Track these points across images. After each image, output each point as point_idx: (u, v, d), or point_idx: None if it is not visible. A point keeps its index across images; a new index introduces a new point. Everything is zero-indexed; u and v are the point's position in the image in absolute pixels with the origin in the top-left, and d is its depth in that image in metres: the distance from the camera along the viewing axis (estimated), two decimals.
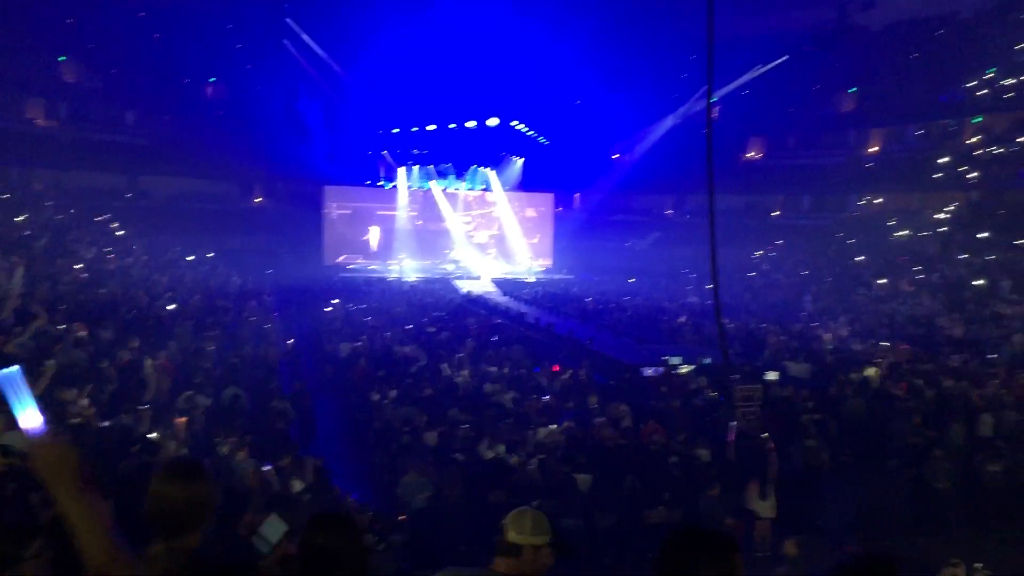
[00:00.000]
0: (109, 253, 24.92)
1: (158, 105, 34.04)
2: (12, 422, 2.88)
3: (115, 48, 32.64)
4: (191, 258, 29.54)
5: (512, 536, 2.92)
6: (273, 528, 2.98)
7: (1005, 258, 25.89)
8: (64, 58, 33.98)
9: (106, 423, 10.85)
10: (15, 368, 2.76)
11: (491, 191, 41.61)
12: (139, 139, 33.77)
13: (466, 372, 17.26)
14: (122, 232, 28.89)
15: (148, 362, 13.17)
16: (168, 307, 19.81)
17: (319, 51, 35.29)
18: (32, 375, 11.23)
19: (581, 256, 39.46)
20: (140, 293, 20.30)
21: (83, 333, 13.88)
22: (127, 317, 17.22)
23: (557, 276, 39.37)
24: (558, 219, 42.35)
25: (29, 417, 2.70)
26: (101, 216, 29.37)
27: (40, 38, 31.35)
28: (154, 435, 10.44)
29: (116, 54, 32.87)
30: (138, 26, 32.53)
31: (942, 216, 31.32)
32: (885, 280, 27.95)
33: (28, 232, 21.54)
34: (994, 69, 31.65)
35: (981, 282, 24.70)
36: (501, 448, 11.72)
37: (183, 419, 10.73)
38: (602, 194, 40.57)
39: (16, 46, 30.26)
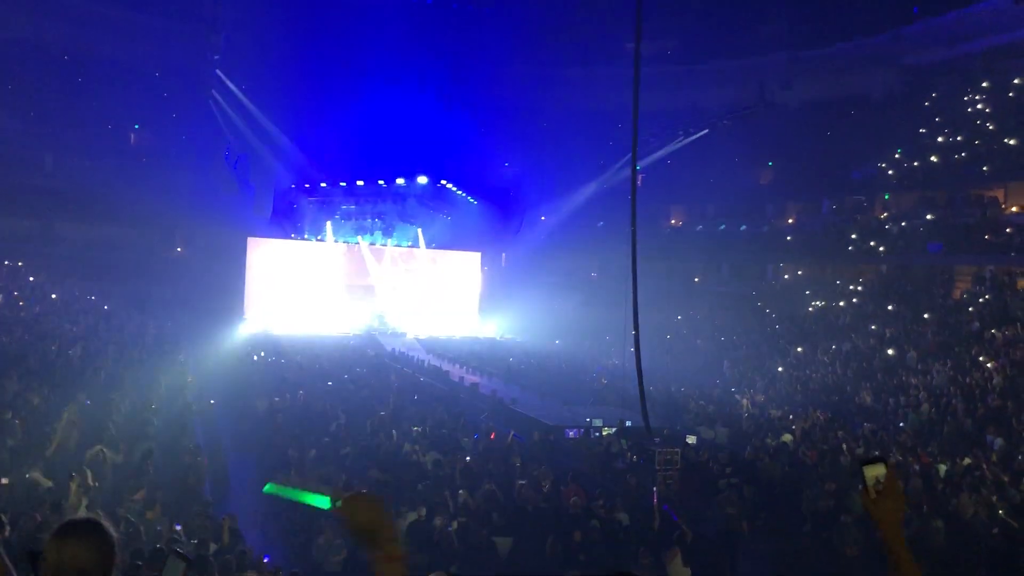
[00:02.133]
0: (19, 300, 24.07)
1: (78, 150, 33.26)
2: None
3: (35, 91, 31.94)
4: (106, 307, 28.74)
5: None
6: (173, 570, 2.90)
7: (912, 329, 26.94)
8: None
9: (3, 481, 10.40)
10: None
11: (418, 248, 41.64)
12: (56, 183, 32.85)
13: (389, 431, 17.05)
14: (34, 278, 27.95)
15: (64, 414, 12.68)
16: (76, 355, 19.17)
17: (247, 103, 35.11)
18: None
19: (507, 315, 39.63)
20: (50, 342, 19.59)
21: None
22: (34, 367, 16.59)
23: (482, 335, 39.38)
24: (485, 278, 42.56)
25: None
26: (13, 262, 28.40)
27: None
28: (51, 488, 10.03)
29: (36, 97, 32.15)
30: (62, 69, 31.97)
31: (854, 287, 32.50)
32: (801, 348, 28.77)
33: None
34: (900, 150, 33.33)
35: (891, 352, 25.61)
36: (422, 510, 11.56)
37: (74, 480, 10.27)
38: (528, 254, 40.99)
39: None
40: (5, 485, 10.28)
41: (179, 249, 35.41)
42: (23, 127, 32.77)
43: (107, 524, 2.71)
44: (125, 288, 30.24)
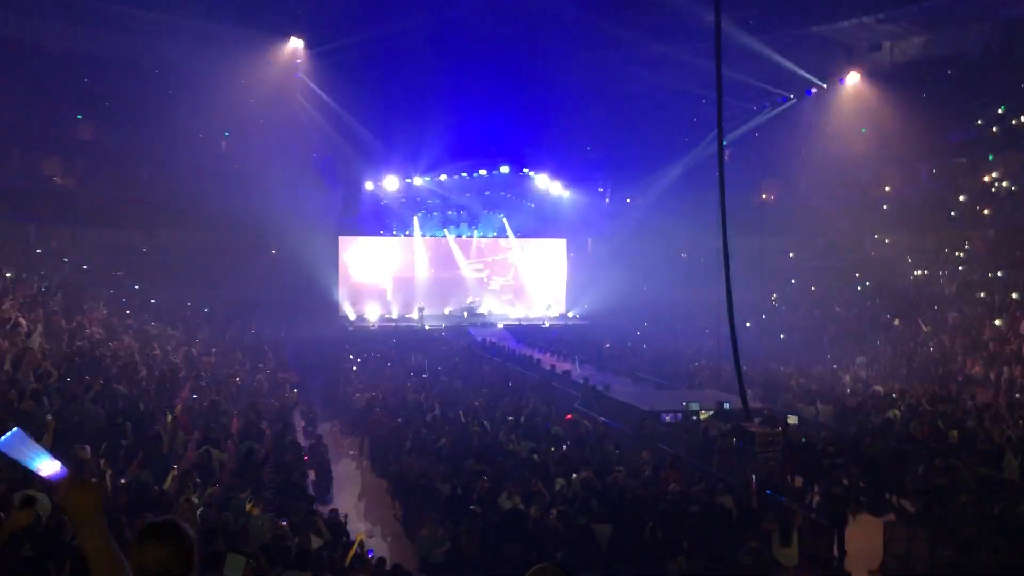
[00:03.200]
0: (125, 308, 25.06)
1: (171, 161, 34.46)
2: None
3: (128, 106, 33.15)
4: (189, 304, 29.76)
5: None
6: (233, 566, 2.93)
7: (1023, 296, 25.65)
8: (81, 117, 34.53)
9: (122, 480, 10.83)
10: (13, 430, 2.81)
11: (504, 237, 41.79)
12: (152, 194, 34.12)
13: (483, 421, 17.14)
14: (138, 287, 29.06)
15: (169, 415, 13.14)
16: (179, 360, 19.87)
17: (331, 103, 35.73)
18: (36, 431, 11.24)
19: (595, 301, 39.39)
20: (155, 348, 20.35)
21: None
22: (145, 374, 17.24)
23: (572, 321, 39.28)
24: (572, 264, 42.40)
25: (46, 466, 2.74)
26: (115, 271, 29.59)
27: (57, 98, 31.92)
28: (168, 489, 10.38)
29: (129, 112, 33.37)
30: (151, 84, 33.08)
31: (959, 255, 31.13)
32: (903, 321, 27.73)
33: (44, 288, 21.68)
34: (1004, 107, 31.65)
35: (998, 323, 24.45)
36: (518, 499, 11.56)
37: (175, 476, 10.62)
38: (615, 238, 40.60)
39: (34, 106, 30.82)
40: (123, 485, 10.71)
41: (273, 251, 36.31)
42: (120, 142, 34.11)
43: (186, 526, 2.78)
44: (223, 292, 31.21)
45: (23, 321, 16.99)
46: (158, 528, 2.74)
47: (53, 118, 32.67)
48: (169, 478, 10.58)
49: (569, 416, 18.52)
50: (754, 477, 13.16)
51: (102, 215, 33.02)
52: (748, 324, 31.55)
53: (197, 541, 2.79)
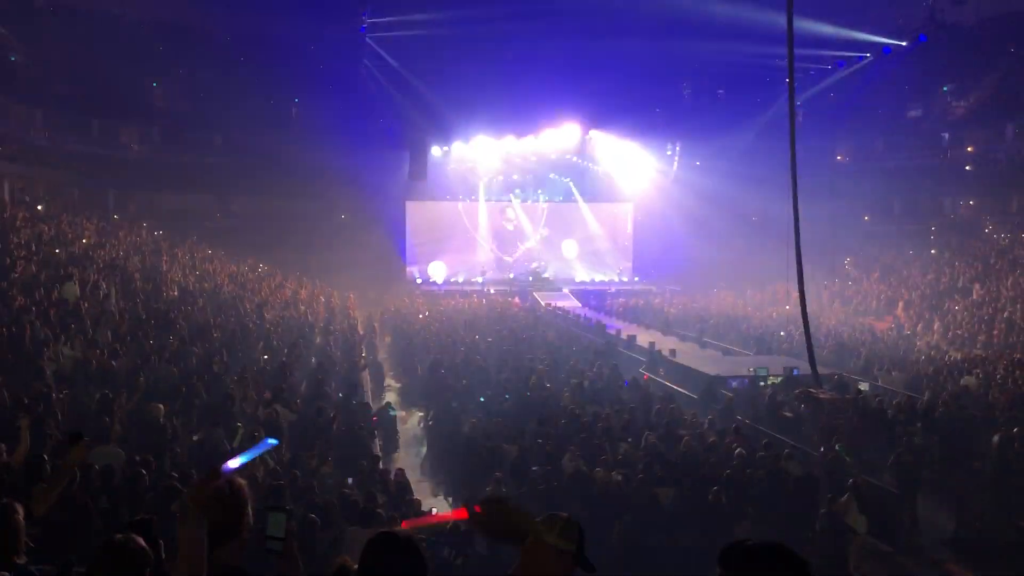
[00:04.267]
0: (199, 272, 25.71)
1: (244, 127, 35.05)
2: None
3: (201, 74, 33.80)
4: (261, 268, 30.34)
5: (539, 532, 2.80)
6: (276, 524, 2.96)
7: None
8: (156, 84, 35.34)
9: (196, 437, 11.17)
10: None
11: (570, 202, 41.56)
12: (225, 160, 34.80)
13: (547, 384, 17.17)
14: (211, 252, 29.80)
15: (233, 378, 13.46)
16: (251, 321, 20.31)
17: (398, 67, 35.81)
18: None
19: (662, 265, 39.01)
20: (229, 310, 20.85)
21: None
22: (216, 335, 17.70)
23: (638, 286, 39.00)
24: (638, 228, 41.99)
25: (233, 462, 2.75)
26: (190, 236, 30.37)
27: (133, 66, 32.66)
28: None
29: (202, 80, 34.03)
30: (223, 52, 33.63)
31: None
32: (983, 285, 26.80)
33: (122, 252, 22.39)
34: None
35: None
36: (582, 462, 11.57)
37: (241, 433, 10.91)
38: (683, 201, 39.96)
39: (111, 75, 31.59)
40: (196, 441, 11.05)
41: (343, 216, 36.80)
42: (193, 108, 34.82)
43: (239, 481, 2.83)
44: (295, 256, 31.79)
45: (103, 283, 17.56)
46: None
47: (129, 86, 33.48)
48: (239, 436, 10.86)
49: (647, 376, 18.49)
50: (822, 445, 12.95)
51: (177, 181, 33.87)
52: (837, 280, 30.93)
53: (250, 496, 2.85)
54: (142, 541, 3.06)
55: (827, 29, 32.59)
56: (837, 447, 12.39)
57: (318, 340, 22.45)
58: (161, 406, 10.98)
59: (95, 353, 13.16)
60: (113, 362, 13.02)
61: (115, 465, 8.44)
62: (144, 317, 16.82)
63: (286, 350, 18.56)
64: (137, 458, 8.87)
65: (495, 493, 2.44)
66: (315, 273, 32.12)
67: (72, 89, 31.98)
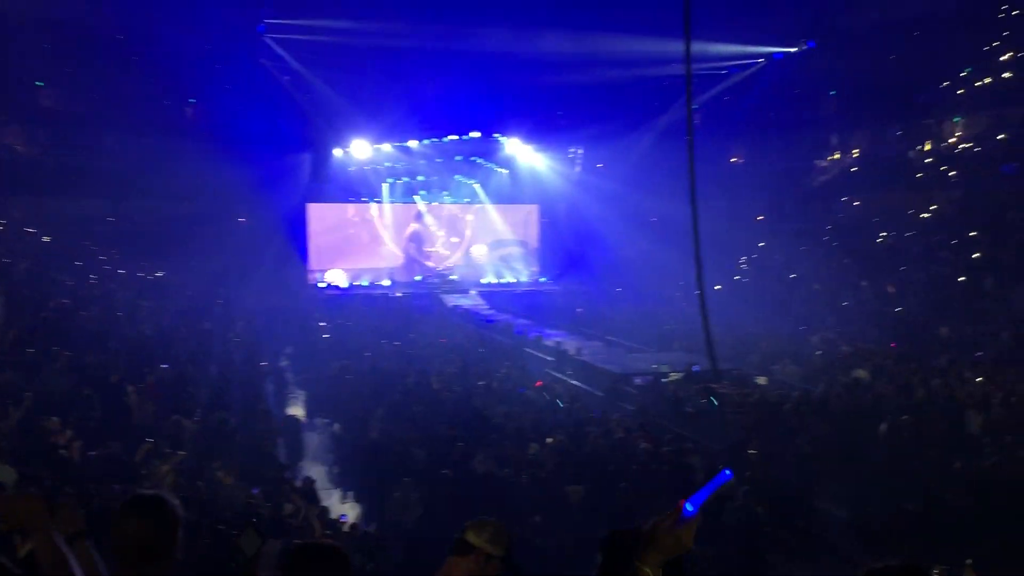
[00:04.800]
0: (92, 279, 24.73)
1: (136, 129, 33.82)
2: None
3: (92, 73, 32.47)
4: (158, 275, 29.35)
5: (470, 537, 2.84)
6: (250, 542, 2.94)
7: (988, 255, 26.00)
8: (41, 84, 33.79)
9: (92, 452, 10.75)
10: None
11: (476, 203, 41.62)
12: (118, 163, 33.53)
13: (457, 387, 17.18)
14: (104, 257, 28.66)
15: (131, 388, 13.02)
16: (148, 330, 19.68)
17: (298, 67, 35.13)
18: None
19: (567, 266, 39.47)
20: (123, 318, 20.14)
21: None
22: (112, 344, 17.08)
23: (545, 287, 39.36)
24: (544, 230, 42.35)
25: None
26: (83, 242, 29.13)
27: (16, 64, 31.14)
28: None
29: (93, 79, 32.69)
30: (115, 51, 32.36)
31: (925, 216, 31.43)
32: (871, 282, 28.03)
33: (8, 260, 21.35)
34: (970, 69, 31.85)
35: (966, 279, 24.80)
36: (492, 463, 11.63)
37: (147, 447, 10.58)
38: (587, 203, 40.49)
39: None
40: (93, 456, 10.65)
41: (241, 219, 35.93)
42: (83, 110, 33.47)
43: (173, 500, 2.76)
44: (191, 261, 30.80)
45: None
46: (143, 502, 2.72)
47: (12, 85, 31.93)
48: (142, 450, 10.52)
49: (539, 383, 18.63)
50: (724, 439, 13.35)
51: (66, 184, 32.46)
52: (718, 287, 31.79)
53: (181, 515, 2.79)
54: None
55: (720, 47, 33.61)
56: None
57: (218, 348, 21.86)
58: (55, 419, 10.53)
59: None
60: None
61: (6, 483, 8.05)
62: (33, 327, 16.10)
63: (184, 359, 18.03)
64: (29, 474, 8.49)
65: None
66: (214, 278, 31.21)
67: None
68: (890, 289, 26.63)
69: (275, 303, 31.03)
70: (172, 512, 2.74)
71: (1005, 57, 30.73)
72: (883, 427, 13.45)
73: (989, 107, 31.20)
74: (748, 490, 10.90)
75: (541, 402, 16.31)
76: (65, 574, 2.52)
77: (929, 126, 34.01)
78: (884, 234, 31.95)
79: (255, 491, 9.91)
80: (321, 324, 27.32)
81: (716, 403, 15.30)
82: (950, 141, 32.43)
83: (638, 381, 18.69)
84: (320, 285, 37.45)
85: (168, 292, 27.60)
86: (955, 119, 32.79)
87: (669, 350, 23.27)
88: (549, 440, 12.96)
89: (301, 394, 20.98)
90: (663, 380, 18.34)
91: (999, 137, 29.99)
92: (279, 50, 34.93)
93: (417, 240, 40.63)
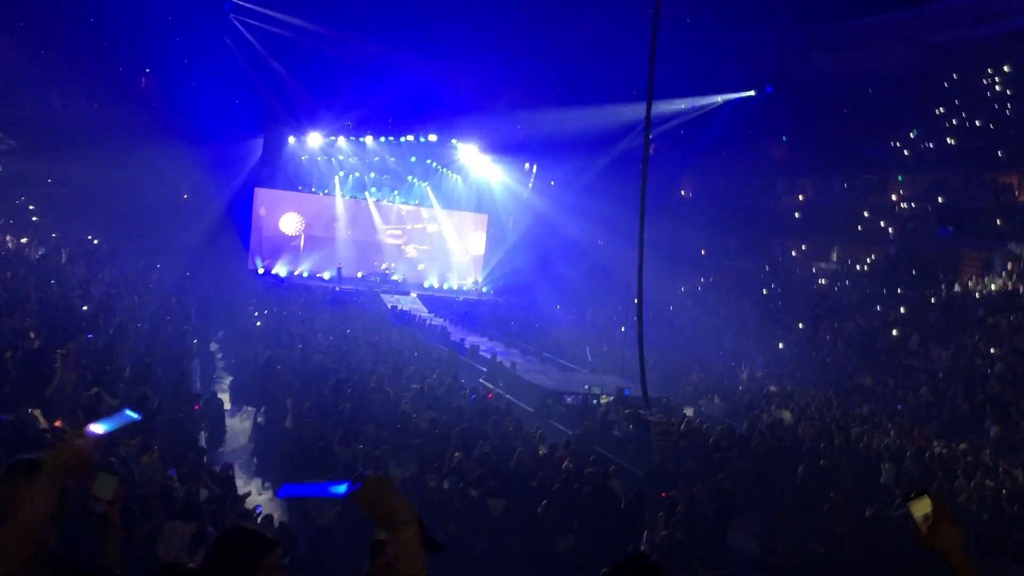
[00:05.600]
0: (24, 240, 24.01)
1: (87, 91, 33.00)
2: None
3: (46, 30, 31.61)
4: (93, 241, 28.62)
5: (379, 534, 2.77)
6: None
7: (917, 313, 26.83)
8: None
9: (4, 417, 10.40)
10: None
11: (426, 206, 41.49)
12: (63, 124, 32.62)
13: (387, 388, 17.05)
14: (38, 219, 27.86)
15: (58, 354, 12.63)
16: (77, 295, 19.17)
17: (260, 49, 34.74)
18: None
19: (510, 278, 39.60)
20: (52, 284, 19.57)
21: None
22: (35, 308, 16.57)
23: (485, 296, 39.38)
24: (491, 239, 42.38)
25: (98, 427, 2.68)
26: (17, 200, 28.30)
27: None
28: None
29: (46, 36, 31.82)
30: (73, 10, 31.58)
31: (862, 268, 32.35)
32: (804, 326, 28.69)
33: None
34: (916, 130, 32.94)
35: (894, 334, 25.54)
36: (414, 468, 11.58)
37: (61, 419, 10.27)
38: (536, 218, 40.68)
39: None
40: (6, 423, 10.29)
41: (185, 196, 35.27)
42: (32, 65, 32.49)
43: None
44: (130, 233, 30.11)
45: None
46: (26, 465, 2.66)
47: None
48: (46, 419, 10.19)
49: (491, 395, 18.59)
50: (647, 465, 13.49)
51: (4, 139, 31.50)
52: (672, 307, 32.28)
53: (97, 473, 2.74)
54: None
55: (679, 104, 34.30)
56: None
57: (146, 324, 21.36)
58: None
59: None
60: None
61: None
62: None
63: (112, 331, 17.58)
64: None
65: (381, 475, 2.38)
66: (150, 252, 30.53)
67: None
68: (823, 335, 27.27)
69: (210, 284, 30.48)
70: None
71: (951, 123, 31.84)
72: (800, 469, 13.75)
73: (931, 169, 32.27)
74: (665, 516, 11.05)
75: (471, 412, 16.29)
76: None
77: (873, 180, 35.02)
78: (822, 281, 32.75)
79: (172, 472, 9.70)
80: (257, 309, 26.87)
81: (641, 428, 15.47)
82: (892, 198, 33.43)
83: (568, 400, 18.80)
84: (259, 271, 36.86)
85: (102, 261, 26.90)
86: (899, 177, 33.82)
87: (602, 372, 23.46)
88: (464, 448, 12.95)
89: (228, 379, 20.61)
90: (593, 401, 18.48)
91: (939, 199, 31.00)
92: (243, 31, 34.53)
93: (362, 236, 40.25)
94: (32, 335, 13.80)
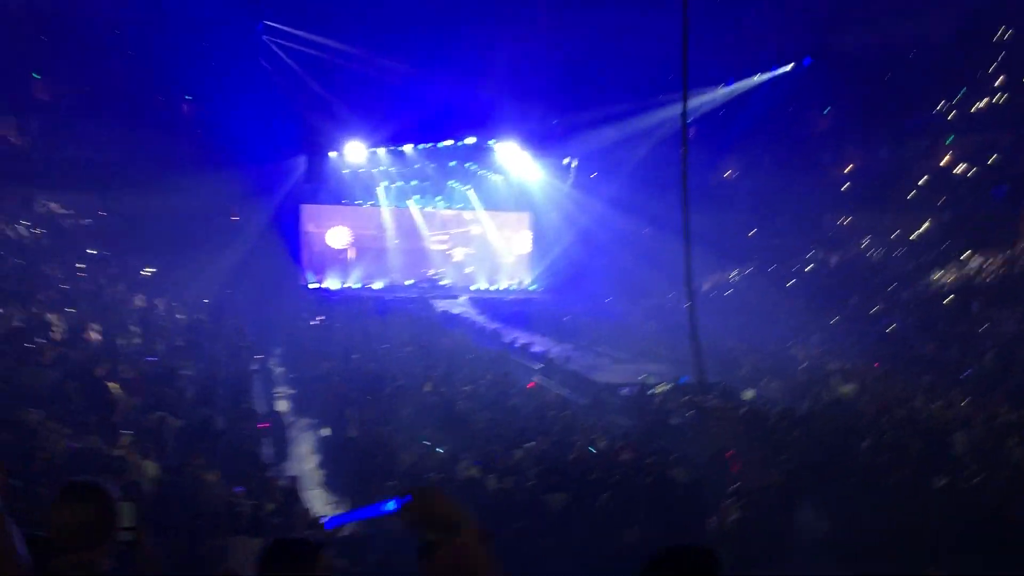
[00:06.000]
0: (81, 273, 24.64)
1: (132, 122, 33.77)
2: None
3: (90, 65, 32.39)
4: (148, 271, 29.27)
5: (428, 535, 2.71)
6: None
7: (975, 277, 26.18)
8: (37, 76, 33.74)
9: (72, 445, 10.72)
10: None
11: (469, 209, 41.67)
12: (112, 158, 33.45)
13: (442, 391, 17.20)
14: (94, 252, 28.53)
15: (115, 385, 12.98)
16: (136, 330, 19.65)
17: (296, 68, 35.24)
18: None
19: (558, 274, 39.56)
20: (112, 314, 20.09)
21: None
22: (99, 338, 17.04)
23: (534, 294, 39.41)
24: (536, 237, 42.37)
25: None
26: (73, 235, 29.01)
27: (12, 56, 31.10)
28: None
29: (90, 71, 32.61)
30: (113, 44, 32.32)
31: (916, 235, 31.63)
32: (860, 299, 28.17)
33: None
34: (964, 90, 32.10)
35: (953, 299, 24.97)
36: (475, 469, 11.65)
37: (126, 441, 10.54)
38: (580, 212, 40.55)
39: None
40: (73, 450, 10.60)
41: (234, 218, 35.86)
42: (78, 102, 33.38)
43: (109, 486, 2.77)
44: (183, 257, 30.69)
45: None
46: (80, 488, 2.74)
47: (8, 77, 31.88)
48: (121, 444, 10.49)
49: (532, 384, 18.71)
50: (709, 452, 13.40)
51: (57, 177, 32.38)
52: (708, 294, 31.96)
53: (118, 503, 2.80)
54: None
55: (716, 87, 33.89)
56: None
57: (206, 344, 21.83)
58: (36, 411, 10.50)
59: None
60: None
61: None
62: (19, 320, 16.05)
63: (172, 354, 18.01)
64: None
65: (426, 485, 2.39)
66: (203, 274, 31.13)
67: None
68: (879, 306, 26.74)
69: (265, 302, 31.01)
70: (109, 499, 2.76)
71: (1000, 81, 30.99)
72: (865, 444, 13.53)
73: (982, 130, 31.44)
74: (732, 500, 10.96)
75: (527, 409, 16.34)
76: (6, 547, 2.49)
77: (921, 147, 34.23)
78: (874, 252, 32.13)
79: (238, 489, 9.90)
80: (312, 323, 27.32)
81: (699, 415, 15.36)
82: (942, 163, 32.65)
83: (624, 391, 18.74)
84: (311, 285, 37.44)
85: (158, 289, 27.50)
86: (948, 140, 33.00)
87: (656, 362, 23.31)
88: (530, 444, 12.99)
89: (288, 394, 20.95)
90: (649, 391, 18.39)
91: (990, 160, 30.21)
92: (277, 51, 35.05)
93: (409, 244, 40.60)
94: (96, 366, 14.15)
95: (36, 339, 14.59)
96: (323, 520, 8.93)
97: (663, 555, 2.36)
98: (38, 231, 28.20)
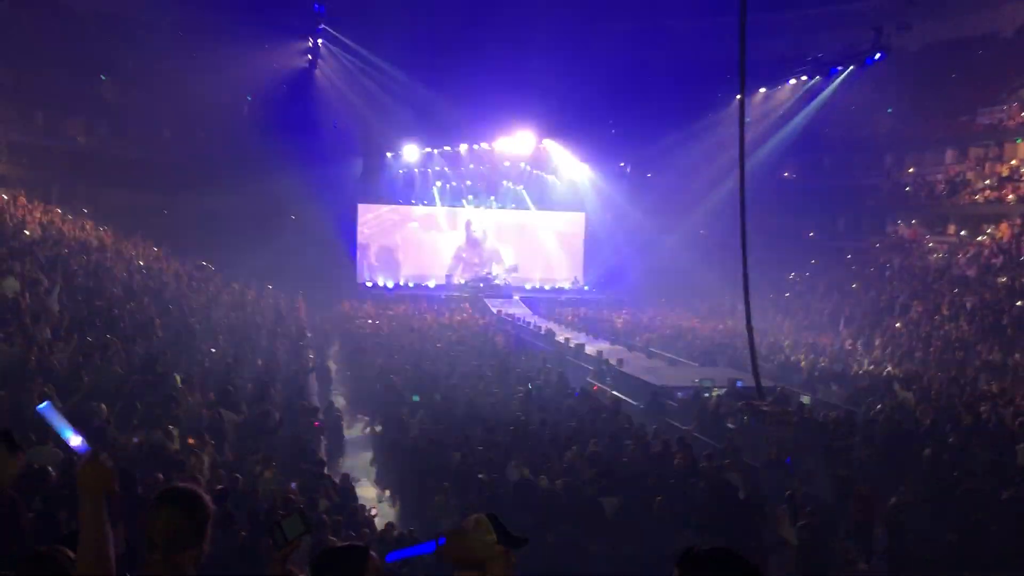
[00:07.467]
0: (144, 270, 25.21)
1: (193, 123, 34.61)
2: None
3: (152, 68, 33.19)
4: (209, 268, 29.88)
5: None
6: (293, 526, 3.05)
7: None
8: (104, 77, 34.68)
9: (136, 439, 10.98)
10: (45, 403, 3.18)
11: (523, 209, 41.74)
12: (174, 157, 34.27)
13: (496, 391, 17.24)
14: (157, 249, 29.20)
15: (178, 377, 13.27)
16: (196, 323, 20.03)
17: (354, 70, 35.73)
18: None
19: (612, 275, 39.38)
20: (174, 309, 20.51)
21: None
22: (160, 334, 17.41)
23: (588, 295, 39.30)
24: (590, 238, 42.26)
25: (73, 438, 3.03)
26: (137, 233, 29.75)
27: (81, 58, 32.00)
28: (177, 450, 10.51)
29: (152, 73, 33.42)
30: (175, 46, 33.07)
31: (981, 239, 30.78)
32: (922, 304, 27.50)
33: (66, 250, 21.85)
34: None
35: (1019, 303, 24.21)
36: (526, 470, 11.64)
37: (192, 441, 10.75)
38: (634, 213, 40.32)
39: (58, 66, 30.96)
40: (137, 444, 10.85)
41: (293, 217, 36.43)
42: (142, 103, 34.20)
43: (205, 495, 2.84)
44: (242, 256, 31.25)
45: (43, 279, 17.18)
46: (178, 494, 2.81)
47: (77, 78, 32.83)
48: (177, 438, 10.70)
49: (596, 387, 18.64)
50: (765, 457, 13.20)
51: (124, 176, 33.24)
52: (787, 295, 31.53)
53: (212, 510, 2.88)
54: (71, 553, 3.05)
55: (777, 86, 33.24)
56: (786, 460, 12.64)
57: (264, 342, 22.20)
58: (103, 406, 10.77)
59: (34, 350, 12.85)
60: (54, 360, 12.74)
61: (51, 466, 8.22)
62: (86, 315, 16.47)
63: (232, 351, 18.34)
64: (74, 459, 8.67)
65: (453, 526, 2.48)
66: (262, 273, 31.67)
67: (17, 79, 31.29)
68: (943, 311, 26.04)
69: (322, 300, 31.45)
70: (204, 506, 2.82)
71: None
72: (927, 452, 13.19)
73: None
74: (786, 507, 10.76)
75: (581, 411, 16.28)
76: (104, 552, 2.60)
77: (988, 147, 33.28)
78: (938, 256, 31.34)
79: (292, 485, 10.05)
80: (369, 322, 27.61)
81: (755, 419, 15.12)
82: (1012, 163, 31.70)
83: (680, 394, 18.55)
84: (367, 284, 37.89)
85: (219, 286, 28.04)
86: (1017, 140, 32.03)
87: (712, 364, 23.06)
88: (576, 448, 12.92)
89: (344, 391, 21.22)
90: (705, 395, 18.18)
91: None
92: (335, 52, 35.56)
93: (464, 243, 40.82)
94: (159, 362, 14.46)
95: (104, 335, 14.96)
96: (387, 557, 8.97)
97: (702, 555, 2.35)
98: (105, 228, 28.94)
